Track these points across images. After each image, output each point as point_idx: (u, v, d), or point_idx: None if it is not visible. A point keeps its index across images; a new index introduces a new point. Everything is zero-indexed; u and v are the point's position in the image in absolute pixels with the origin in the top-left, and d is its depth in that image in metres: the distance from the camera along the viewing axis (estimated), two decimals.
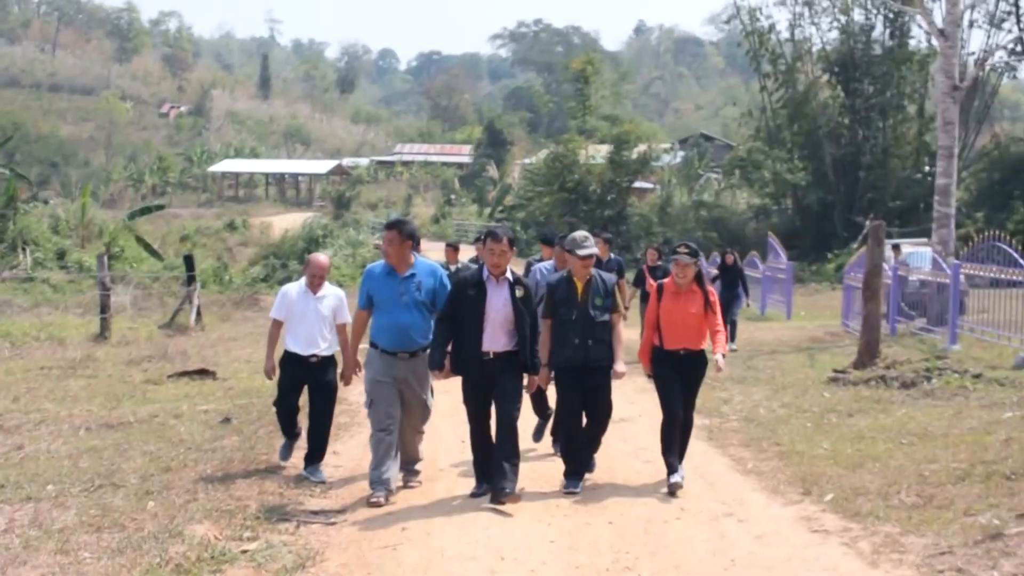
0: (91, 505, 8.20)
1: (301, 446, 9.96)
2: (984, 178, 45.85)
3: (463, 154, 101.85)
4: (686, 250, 9.29)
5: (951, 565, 6.57)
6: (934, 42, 29.71)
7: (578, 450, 9.20)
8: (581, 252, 9.13)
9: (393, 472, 8.88)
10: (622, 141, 53.22)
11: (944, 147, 22.60)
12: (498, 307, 8.65)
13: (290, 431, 10.04)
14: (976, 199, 45.20)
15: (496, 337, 8.66)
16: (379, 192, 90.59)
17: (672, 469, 9.01)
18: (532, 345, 8.82)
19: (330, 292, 9.82)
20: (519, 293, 8.73)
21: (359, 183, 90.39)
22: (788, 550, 7.20)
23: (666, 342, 9.26)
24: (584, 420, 9.24)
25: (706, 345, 9.27)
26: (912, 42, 48.27)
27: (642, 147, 53.75)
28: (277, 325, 9.85)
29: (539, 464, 9.95)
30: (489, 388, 8.71)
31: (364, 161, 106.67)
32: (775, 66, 50.44)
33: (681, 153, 69.28)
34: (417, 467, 9.45)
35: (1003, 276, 16.79)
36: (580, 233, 9.44)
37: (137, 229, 41.24)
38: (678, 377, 9.24)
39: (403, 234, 9.01)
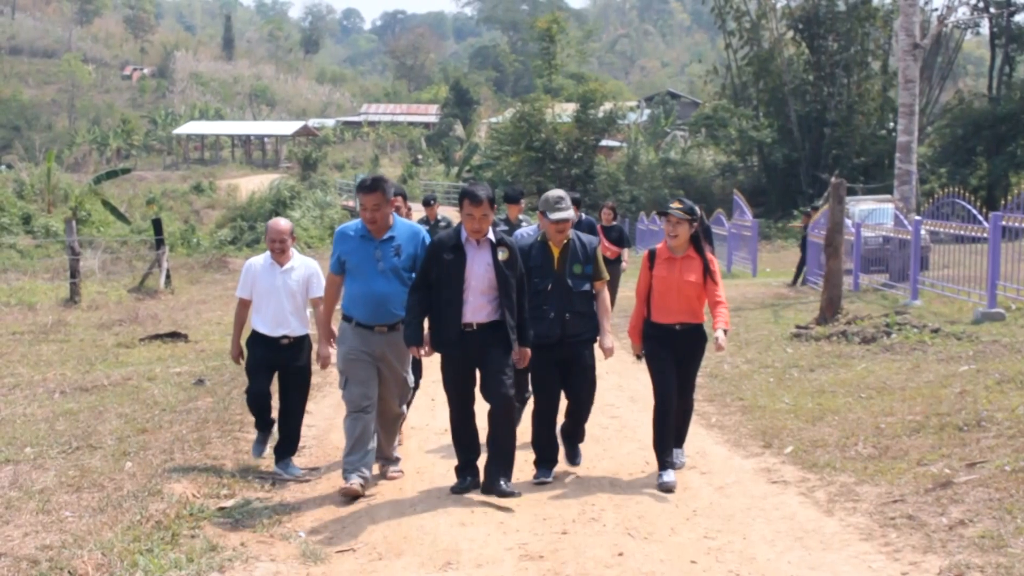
0: (70, 466, 8.34)
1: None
2: (947, 134, 46.24)
3: (429, 114, 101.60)
4: (679, 205, 8.11)
5: (902, 512, 6.85)
6: None
7: (552, 436, 8.24)
8: (553, 216, 8.03)
9: (371, 458, 7.95)
10: (588, 99, 53.28)
11: (905, 105, 22.84)
12: (479, 273, 7.55)
13: (262, 421, 8.87)
14: (940, 155, 45.64)
15: (479, 307, 7.58)
16: (346, 153, 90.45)
17: (664, 465, 8.03)
18: (521, 313, 7.75)
19: (300, 263, 8.75)
20: (502, 256, 7.62)
21: (325, 144, 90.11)
22: (748, 500, 7.47)
23: (659, 315, 8.14)
24: (564, 403, 8.35)
25: (705, 319, 8.25)
26: None
27: (608, 105, 53.84)
28: (244, 305, 8.85)
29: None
30: (473, 365, 7.65)
31: (330, 122, 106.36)
32: (740, 23, 50.64)
33: (647, 111, 69.59)
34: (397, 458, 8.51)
35: (962, 232, 17.09)
36: (554, 193, 8.22)
37: (103, 193, 41.16)
38: (673, 356, 8.13)
39: (387, 194, 7.87)
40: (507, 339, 7.63)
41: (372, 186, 7.81)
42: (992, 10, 46.65)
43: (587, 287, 8.16)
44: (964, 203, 17.19)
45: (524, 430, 8.61)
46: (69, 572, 5.92)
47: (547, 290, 8.05)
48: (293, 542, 6.80)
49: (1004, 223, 15.54)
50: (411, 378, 8.16)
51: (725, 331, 8.02)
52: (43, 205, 39.53)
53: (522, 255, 7.97)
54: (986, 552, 6.00)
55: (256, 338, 8.69)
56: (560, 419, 8.37)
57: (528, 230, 9.23)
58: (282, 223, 8.85)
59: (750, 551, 6.46)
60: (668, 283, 8.06)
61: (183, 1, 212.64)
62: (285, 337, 8.61)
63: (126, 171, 52.53)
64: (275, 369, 8.70)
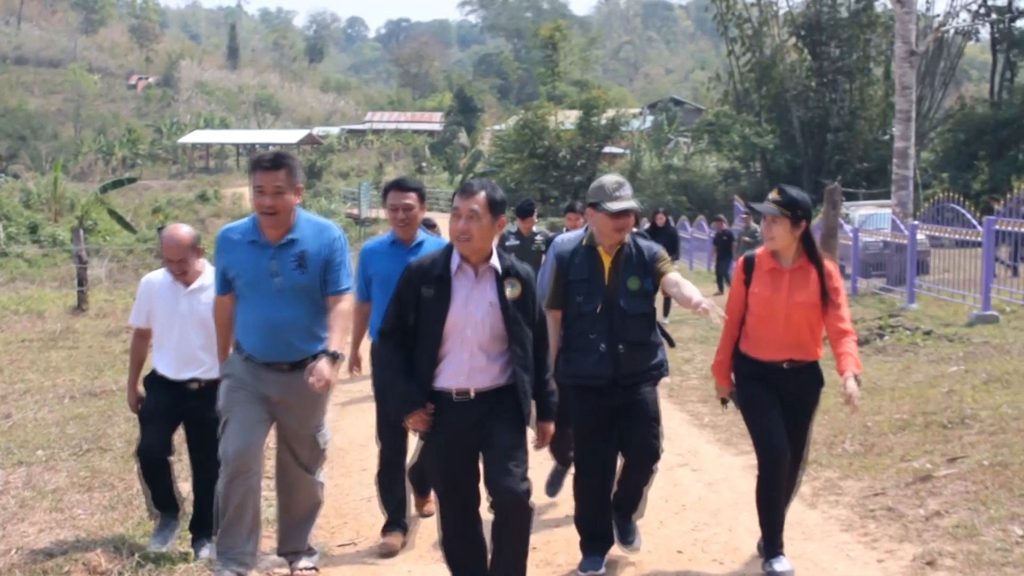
0: (81, 468, 8.59)
1: None
2: (949, 139, 46.50)
3: (434, 121, 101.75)
4: (777, 195, 5.98)
5: (882, 504, 7.13)
6: None
7: (600, 512, 6.20)
8: (614, 206, 5.90)
9: (253, 542, 5.97)
10: (591, 107, 53.72)
11: (902, 111, 23.10)
12: (477, 317, 5.16)
13: (163, 500, 6.65)
14: (942, 160, 45.91)
15: (477, 367, 5.19)
16: (350, 161, 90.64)
17: (772, 552, 5.99)
18: (540, 373, 5.39)
19: (210, 281, 6.39)
20: (511, 292, 5.20)
21: (330, 152, 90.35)
22: (735, 495, 7.72)
23: (756, 348, 6.01)
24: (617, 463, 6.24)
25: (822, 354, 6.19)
26: (877, 5, 48.78)
27: (611, 112, 54.20)
28: (140, 337, 6.84)
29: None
30: (472, 451, 5.26)
31: (335, 130, 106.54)
32: (742, 30, 50.89)
33: (651, 118, 69.81)
34: (312, 550, 6.27)
35: (955, 236, 17.37)
36: (610, 178, 6.10)
37: (109, 202, 41.34)
38: (776, 402, 5.97)
39: (294, 175, 5.77)
40: (519, 410, 5.23)
41: (264, 165, 5.68)
42: (993, 16, 46.91)
43: (646, 308, 6.08)
44: (959, 207, 17.47)
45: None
46: (84, 564, 6.18)
47: (595, 313, 5.97)
48: None
49: (998, 227, 15.80)
50: (325, 436, 6.11)
51: (857, 378, 5.72)
52: (50, 214, 39.78)
53: (561, 266, 6.07)
54: (959, 540, 6.28)
55: (155, 381, 6.67)
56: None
57: (573, 235, 6.84)
58: (182, 231, 6.62)
59: (735, 542, 6.73)
60: (772, 305, 5.92)
61: (188, 10, 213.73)
62: (194, 381, 6.53)
63: (132, 180, 52.73)
64: (179, 420, 6.65)
